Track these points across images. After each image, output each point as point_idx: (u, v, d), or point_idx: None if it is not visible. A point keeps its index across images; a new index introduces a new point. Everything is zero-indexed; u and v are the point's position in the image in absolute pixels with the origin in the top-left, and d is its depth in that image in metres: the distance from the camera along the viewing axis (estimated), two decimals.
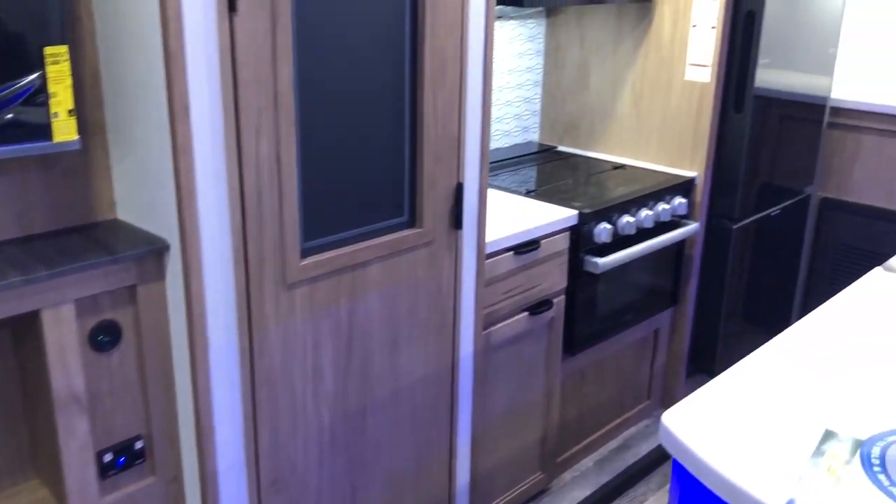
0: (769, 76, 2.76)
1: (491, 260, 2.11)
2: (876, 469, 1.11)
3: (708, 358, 3.04)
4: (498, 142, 3.01)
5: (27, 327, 1.47)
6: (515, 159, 2.91)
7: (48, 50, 1.37)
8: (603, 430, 2.87)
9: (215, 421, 1.58)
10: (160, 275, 1.54)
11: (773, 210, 3.06)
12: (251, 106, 1.48)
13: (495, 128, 2.98)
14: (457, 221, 1.94)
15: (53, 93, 1.39)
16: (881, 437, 1.19)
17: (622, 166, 2.87)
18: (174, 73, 1.37)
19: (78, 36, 1.52)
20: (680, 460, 1.22)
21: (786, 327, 3.48)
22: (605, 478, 2.74)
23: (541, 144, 3.13)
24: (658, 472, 2.80)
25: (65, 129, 1.42)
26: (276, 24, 1.47)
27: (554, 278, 2.35)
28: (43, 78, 1.38)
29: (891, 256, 2.38)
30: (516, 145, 3.07)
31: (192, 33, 1.37)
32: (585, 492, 2.67)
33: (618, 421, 2.93)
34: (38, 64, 1.37)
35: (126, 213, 1.62)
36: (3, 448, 1.60)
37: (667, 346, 3.01)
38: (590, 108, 3.01)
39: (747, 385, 1.36)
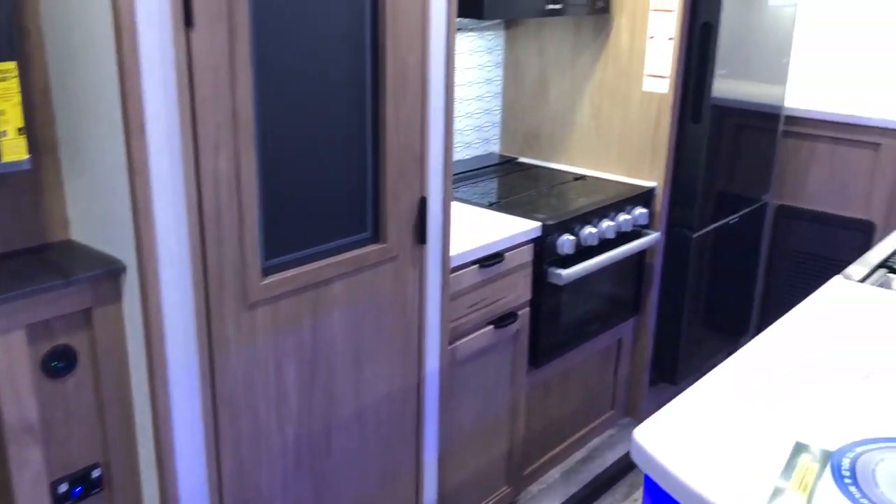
0: (726, 86, 2.79)
1: (455, 274, 2.09)
2: (847, 481, 1.11)
3: (670, 366, 3.06)
4: (459, 153, 3.00)
5: None
6: (477, 171, 2.90)
7: None
8: (568, 442, 2.87)
9: (176, 446, 1.53)
10: (117, 297, 1.49)
11: (732, 218, 3.09)
12: (209, 121, 1.44)
13: (456, 140, 2.97)
14: (421, 236, 1.92)
15: (1, 111, 1.34)
16: (850, 447, 1.20)
17: (583, 177, 2.88)
18: (129, 88, 1.33)
19: (26, 51, 1.47)
20: (652, 476, 1.21)
21: (745, 333, 3.54)
22: (571, 489, 2.73)
23: (501, 156, 3.12)
24: (624, 481, 2.80)
25: (14, 149, 1.37)
26: (234, 39, 1.44)
27: (518, 291, 2.34)
28: None
29: (845, 262, 2.42)
30: (477, 157, 3.06)
31: (148, 48, 1.34)
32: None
33: (583, 431, 2.93)
34: None
35: (80, 233, 1.57)
36: None
37: (630, 356, 3.02)
38: (550, 120, 3.02)
39: (716, 398, 1.36)
